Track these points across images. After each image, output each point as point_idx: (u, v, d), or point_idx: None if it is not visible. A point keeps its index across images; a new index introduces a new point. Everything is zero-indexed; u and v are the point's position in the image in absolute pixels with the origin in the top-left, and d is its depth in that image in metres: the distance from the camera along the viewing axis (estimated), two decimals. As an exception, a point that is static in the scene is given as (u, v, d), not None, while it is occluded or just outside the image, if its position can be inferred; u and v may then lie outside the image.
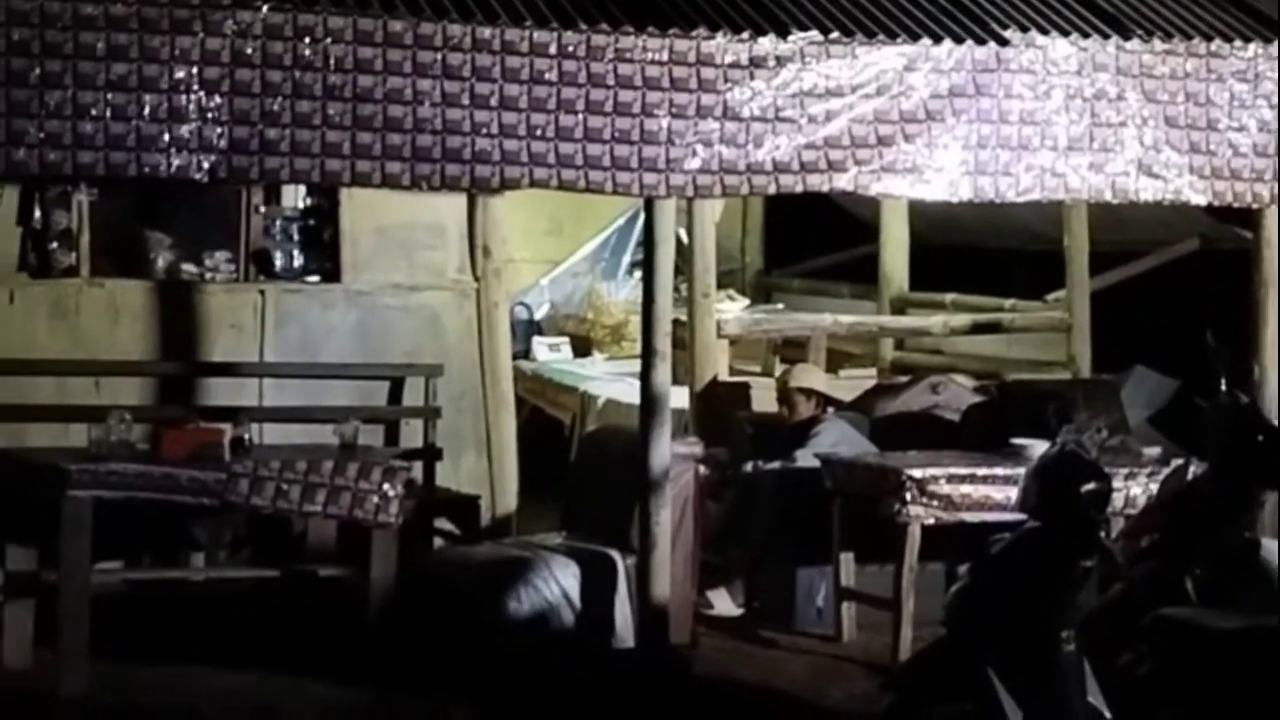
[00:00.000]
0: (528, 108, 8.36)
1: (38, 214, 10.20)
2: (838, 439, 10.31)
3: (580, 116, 8.44)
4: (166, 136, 7.95)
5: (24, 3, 7.73)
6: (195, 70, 7.95)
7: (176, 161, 7.97)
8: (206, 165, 8.02)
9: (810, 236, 15.16)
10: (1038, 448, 8.51)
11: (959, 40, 8.95)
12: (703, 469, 9.70)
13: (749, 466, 10.40)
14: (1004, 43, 9.03)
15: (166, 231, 10.59)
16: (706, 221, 11.47)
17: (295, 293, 10.67)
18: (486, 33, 8.28)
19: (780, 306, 14.40)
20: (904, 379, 11.66)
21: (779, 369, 11.75)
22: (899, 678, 7.91)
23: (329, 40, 8.11)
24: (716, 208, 11.96)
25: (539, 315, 14.13)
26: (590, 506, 9.63)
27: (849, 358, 13.17)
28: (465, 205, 10.83)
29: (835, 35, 8.74)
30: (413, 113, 8.22)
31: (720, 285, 12.15)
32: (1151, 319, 12.55)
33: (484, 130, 8.31)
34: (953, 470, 9.42)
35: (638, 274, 12.03)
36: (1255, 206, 9.73)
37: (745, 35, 8.62)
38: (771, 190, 8.96)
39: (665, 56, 8.55)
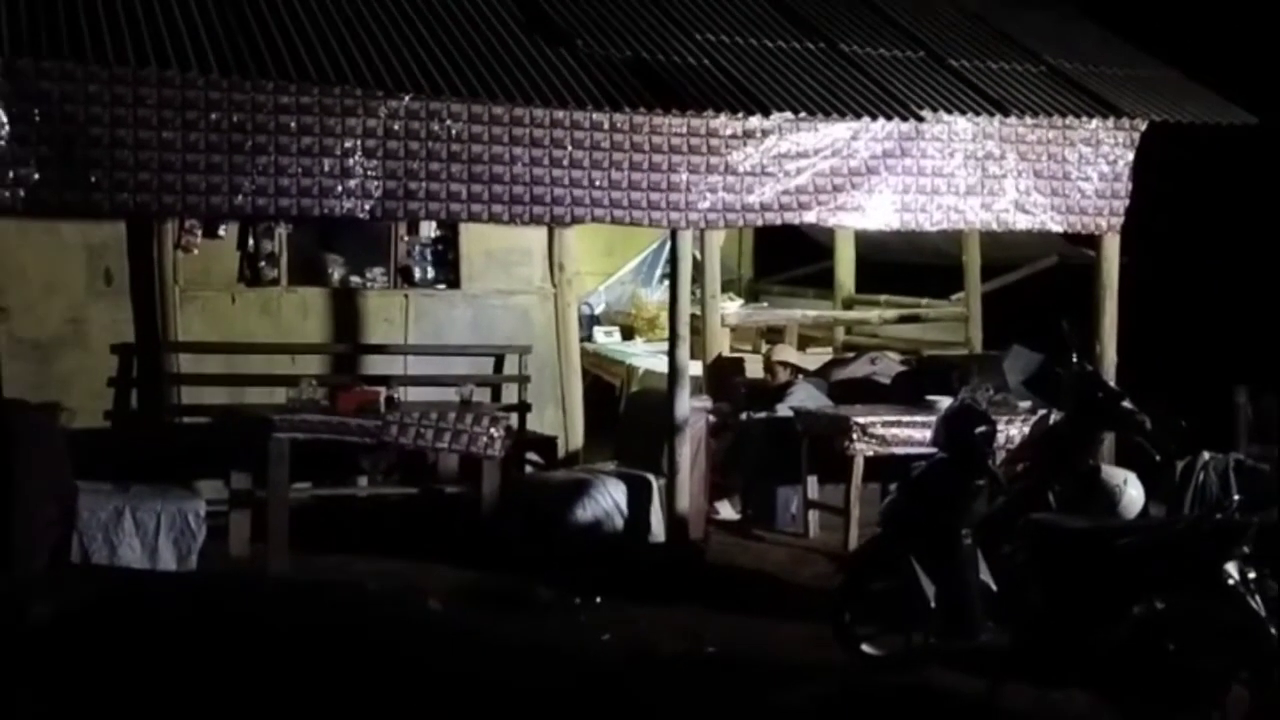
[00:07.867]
0: (589, 166, 8.36)
1: (250, 241, 10.22)
2: (806, 397, 10.28)
3: (625, 173, 8.44)
4: (340, 187, 7.97)
5: (241, 95, 7.75)
6: (359, 141, 7.97)
7: (347, 204, 7.99)
8: (368, 207, 8.03)
9: (786, 255, 15.09)
10: (945, 402, 8.49)
11: (889, 117, 8.91)
12: (711, 418, 9.69)
13: (743, 416, 10.37)
14: (921, 119, 9.00)
15: (340, 253, 10.60)
16: (714, 245, 11.42)
17: (429, 296, 10.67)
18: (560, 114, 8.28)
19: (765, 304, 14.31)
20: (851, 355, 11.59)
21: (765, 348, 11.70)
22: (848, 563, 7.90)
23: (451, 120, 8.12)
24: (721, 235, 11.92)
25: (598, 311, 14.02)
26: (634, 444, 9.61)
27: (813, 340, 13.11)
28: (546, 234, 10.82)
29: (803, 115, 8.71)
30: (509, 170, 8.23)
31: (724, 289, 12.09)
32: (1025, 312, 12.46)
33: (559, 183, 8.32)
34: (886, 418, 9.40)
35: (666, 282, 11.99)
36: (1097, 234, 9.70)
37: (740, 114, 8.60)
38: (759, 223, 9.01)
39: (684, 130, 8.53)
